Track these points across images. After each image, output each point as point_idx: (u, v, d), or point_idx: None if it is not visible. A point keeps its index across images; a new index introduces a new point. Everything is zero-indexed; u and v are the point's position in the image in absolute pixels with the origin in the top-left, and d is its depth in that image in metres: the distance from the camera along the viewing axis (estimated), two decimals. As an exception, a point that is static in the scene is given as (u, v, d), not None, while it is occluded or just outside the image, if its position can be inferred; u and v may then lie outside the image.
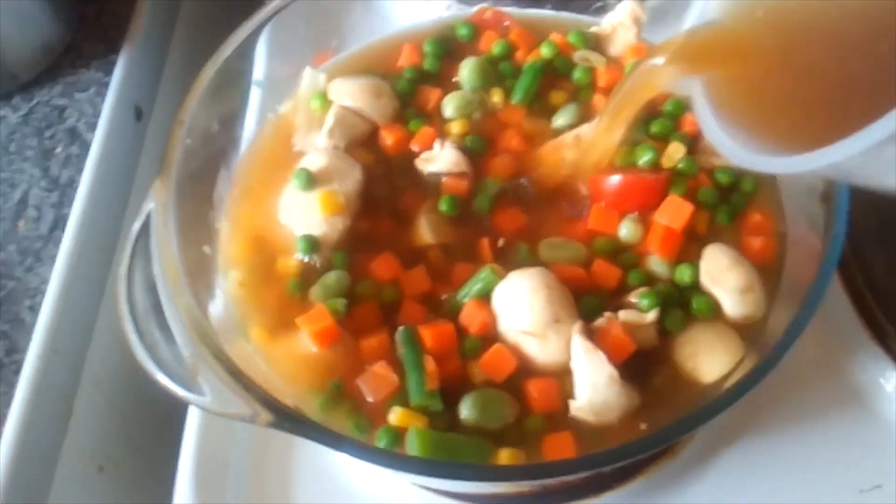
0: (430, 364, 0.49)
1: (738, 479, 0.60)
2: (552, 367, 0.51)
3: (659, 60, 0.49)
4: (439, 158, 0.59)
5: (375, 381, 0.49)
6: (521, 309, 0.51)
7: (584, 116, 0.62)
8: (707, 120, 0.46)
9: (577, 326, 0.50)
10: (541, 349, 0.51)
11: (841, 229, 0.50)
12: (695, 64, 0.48)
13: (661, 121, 0.60)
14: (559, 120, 0.62)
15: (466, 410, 0.49)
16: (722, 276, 0.53)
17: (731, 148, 0.44)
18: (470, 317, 0.52)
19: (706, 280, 0.54)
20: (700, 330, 0.52)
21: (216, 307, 0.53)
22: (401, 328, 0.51)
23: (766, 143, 0.43)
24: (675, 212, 0.55)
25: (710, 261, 0.54)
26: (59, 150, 0.77)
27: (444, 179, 0.59)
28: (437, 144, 0.60)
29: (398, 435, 0.48)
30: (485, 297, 0.53)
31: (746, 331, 0.52)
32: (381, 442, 0.47)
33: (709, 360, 0.51)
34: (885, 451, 0.60)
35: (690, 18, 0.49)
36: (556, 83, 0.65)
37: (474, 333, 0.52)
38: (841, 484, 0.59)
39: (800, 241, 0.55)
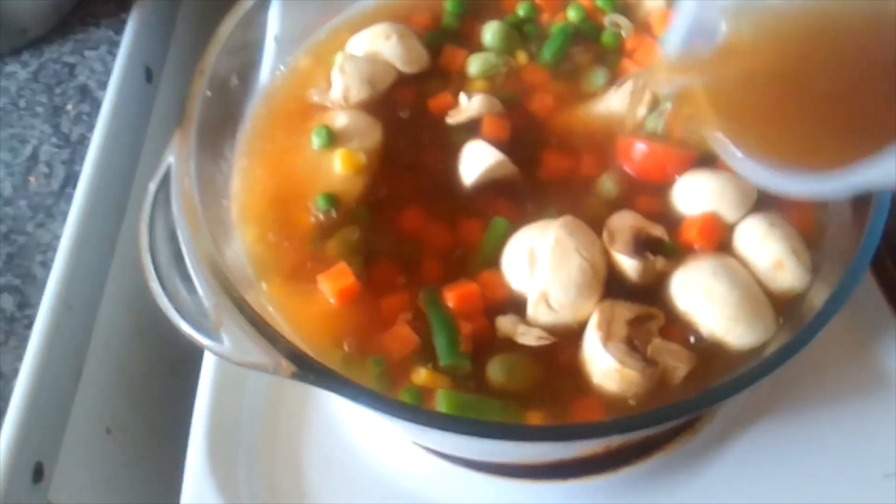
0: (465, 326, 0.48)
1: (759, 460, 0.59)
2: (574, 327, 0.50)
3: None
4: (470, 107, 0.58)
5: (397, 340, 0.49)
6: (542, 264, 0.50)
7: (612, 79, 0.61)
8: (730, 152, 0.44)
9: (595, 321, 0.49)
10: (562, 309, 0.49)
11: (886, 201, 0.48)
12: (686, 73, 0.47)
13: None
14: (592, 82, 0.61)
15: (494, 372, 0.48)
16: (754, 249, 0.52)
17: (767, 176, 0.43)
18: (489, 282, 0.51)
19: (741, 251, 0.52)
20: (738, 295, 0.50)
21: (232, 262, 0.51)
22: (424, 289, 0.50)
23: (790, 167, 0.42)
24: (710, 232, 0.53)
25: (745, 232, 0.52)
26: (69, 106, 0.76)
27: (485, 120, 0.57)
28: (462, 98, 0.59)
29: (421, 395, 0.47)
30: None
31: (783, 304, 0.51)
32: (404, 398, 0.46)
33: (743, 328, 0.49)
34: (909, 437, 0.59)
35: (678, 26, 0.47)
36: (582, 46, 0.64)
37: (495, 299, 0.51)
38: (864, 468, 0.58)
39: (841, 213, 0.53)
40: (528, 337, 0.48)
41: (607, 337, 0.48)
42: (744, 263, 0.52)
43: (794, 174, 0.40)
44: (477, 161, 0.55)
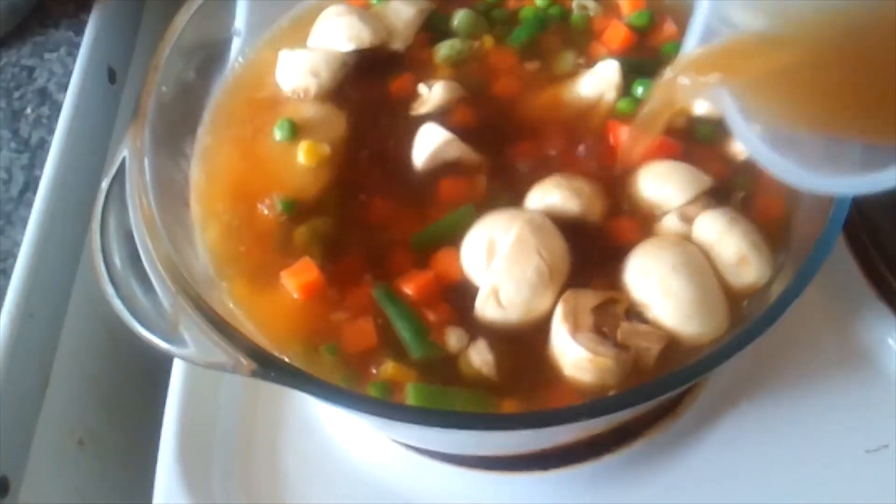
0: (431, 315, 0.47)
1: (742, 441, 0.58)
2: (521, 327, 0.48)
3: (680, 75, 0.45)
4: (433, 97, 0.57)
5: (360, 333, 0.47)
6: (499, 258, 0.48)
7: (582, 62, 0.60)
8: (751, 140, 0.43)
9: (560, 313, 0.47)
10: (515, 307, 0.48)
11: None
12: (716, 70, 0.45)
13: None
14: (561, 65, 0.61)
15: (465, 363, 0.46)
16: (715, 246, 0.50)
17: (787, 168, 0.41)
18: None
19: (702, 247, 0.50)
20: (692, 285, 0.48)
21: (192, 261, 0.50)
22: (376, 288, 0.49)
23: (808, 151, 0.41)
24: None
25: (704, 228, 0.51)
26: (28, 110, 0.74)
27: (449, 107, 0.56)
28: (422, 88, 0.57)
29: (389, 389, 0.45)
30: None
31: (744, 299, 0.49)
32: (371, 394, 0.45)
33: (696, 324, 0.48)
34: (891, 411, 0.58)
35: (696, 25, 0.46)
36: (551, 29, 0.63)
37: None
38: (847, 444, 0.58)
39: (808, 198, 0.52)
40: (477, 355, 0.46)
41: (575, 328, 0.46)
42: (710, 262, 0.50)
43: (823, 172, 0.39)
44: (426, 142, 0.54)
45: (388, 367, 0.46)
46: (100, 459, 0.71)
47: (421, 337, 0.47)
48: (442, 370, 0.47)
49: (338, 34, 0.59)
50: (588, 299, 0.47)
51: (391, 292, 0.49)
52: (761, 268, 0.49)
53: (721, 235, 0.50)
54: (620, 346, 0.46)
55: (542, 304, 0.48)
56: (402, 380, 0.46)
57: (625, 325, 0.47)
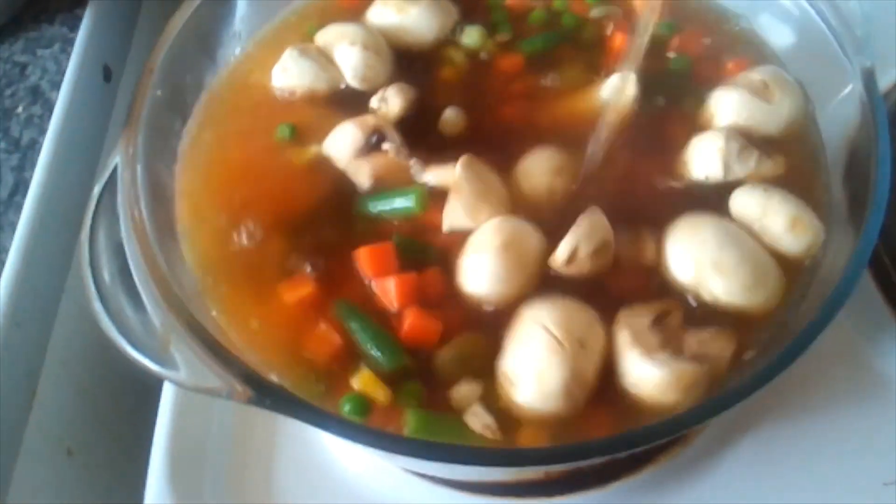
0: (405, 321, 0.46)
1: (754, 470, 0.56)
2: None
3: None
4: (391, 106, 0.55)
5: (320, 343, 0.46)
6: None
7: (595, 70, 0.58)
8: None
9: (626, 339, 0.45)
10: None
11: (883, 196, 0.45)
12: None
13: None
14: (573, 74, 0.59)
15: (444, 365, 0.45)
16: (762, 219, 0.49)
17: None
18: None
19: (748, 225, 0.49)
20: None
21: (181, 274, 0.47)
22: (336, 303, 0.47)
23: None
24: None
25: (744, 206, 0.50)
26: (20, 109, 0.72)
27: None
28: (374, 102, 0.55)
29: (364, 403, 0.43)
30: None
31: (801, 267, 0.48)
32: (344, 410, 0.43)
33: (759, 291, 0.47)
34: (910, 442, 0.57)
35: None
36: (566, 39, 0.61)
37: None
38: (863, 476, 0.56)
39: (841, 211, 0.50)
40: (475, 420, 0.43)
41: (647, 351, 0.43)
42: (756, 236, 0.49)
43: None
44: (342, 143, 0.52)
45: (362, 379, 0.44)
46: (88, 469, 0.69)
47: (390, 347, 0.45)
48: (418, 377, 0.45)
49: (353, 69, 0.57)
50: (641, 318, 0.45)
51: (352, 308, 0.46)
52: (815, 225, 0.49)
53: (764, 207, 0.49)
54: (698, 358, 0.44)
55: (581, 375, 0.44)
56: (375, 392, 0.43)
57: (689, 336, 0.44)
